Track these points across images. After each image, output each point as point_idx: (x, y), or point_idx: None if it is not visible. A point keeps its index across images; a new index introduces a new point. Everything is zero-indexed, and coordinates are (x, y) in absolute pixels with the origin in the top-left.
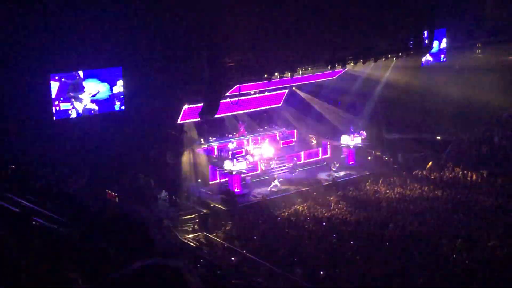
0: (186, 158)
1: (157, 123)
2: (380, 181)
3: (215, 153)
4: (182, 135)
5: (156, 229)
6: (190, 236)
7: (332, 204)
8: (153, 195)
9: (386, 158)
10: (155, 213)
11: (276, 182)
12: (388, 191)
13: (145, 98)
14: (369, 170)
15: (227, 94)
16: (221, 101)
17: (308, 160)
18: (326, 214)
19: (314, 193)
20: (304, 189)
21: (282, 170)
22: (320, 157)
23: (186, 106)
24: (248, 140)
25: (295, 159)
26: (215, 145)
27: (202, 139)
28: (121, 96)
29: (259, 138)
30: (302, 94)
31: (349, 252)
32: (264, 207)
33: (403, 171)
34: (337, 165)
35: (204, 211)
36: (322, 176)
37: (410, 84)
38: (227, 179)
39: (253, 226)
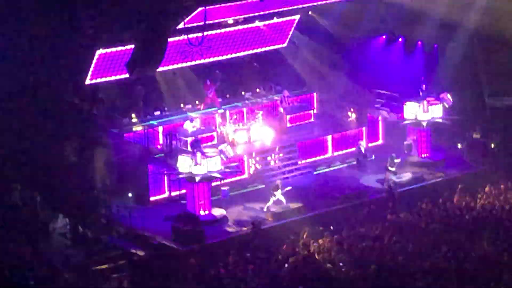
0: (103, 153)
1: (44, 85)
2: (482, 191)
3: (161, 141)
4: (95, 108)
5: None
6: None
7: (385, 239)
8: (41, 225)
9: (493, 146)
10: (45, 260)
11: (278, 195)
12: (497, 208)
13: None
14: (458, 168)
15: (180, 26)
16: (170, 39)
17: (340, 152)
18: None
19: (355, 217)
20: (332, 208)
21: (290, 171)
22: (363, 145)
23: (100, 51)
24: (223, 116)
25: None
26: (159, 125)
27: (133, 115)
28: None
29: (244, 110)
30: (326, 23)
31: None
32: (255, 244)
33: None
34: (397, 160)
35: (140, 253)
36: (369, 181)
37: None
38: (184, 191)
39: (236, 282)
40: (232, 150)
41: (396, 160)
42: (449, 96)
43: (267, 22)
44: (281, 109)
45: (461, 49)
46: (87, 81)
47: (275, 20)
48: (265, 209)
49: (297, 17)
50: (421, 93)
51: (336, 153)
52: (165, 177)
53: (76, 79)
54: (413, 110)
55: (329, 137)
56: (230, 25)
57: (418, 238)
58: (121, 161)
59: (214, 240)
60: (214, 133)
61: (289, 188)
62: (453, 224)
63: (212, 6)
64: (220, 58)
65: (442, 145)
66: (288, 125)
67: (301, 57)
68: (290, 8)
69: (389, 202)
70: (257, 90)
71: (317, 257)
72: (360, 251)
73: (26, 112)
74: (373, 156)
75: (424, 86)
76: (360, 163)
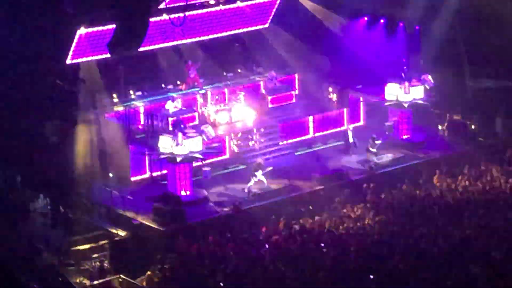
0: (84, 133)
1: (25, 65)
2: (463, 173)
3: (142, 121)
4: (77, 88)
5: (27, 271)
6: (95, 283)
7: (366, 219)
8: (21, 205)
9: (473, 127)
10: (25, 240)
11: (259, 175)
12: (477, 190)
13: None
14: (439, 149)
15: (162, 6)
16: (151, 19)
17: (321, 133)
18: (356, 241)
19: (337, 198)
20: (313, 188)
21: (271, 151)
22: (345, 127)
23: (81, 31)
24: (205, 96)
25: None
26: (141, 105)
27: (115, 95)
28: None
29: (226, 91)
30: (309, 3)
31: None
32: (236, 225)
33: (506, 150)
34: (378, 142)
35: (121, 233)
36: (350, 162)
37: None
38: (165, 171)
39: (216, 263)
40: (213, 131)
41: (377, 142)
42: (430, 77)
43: (249, 3)
44: (263, 90)
45: (443, 31)
46: (68, 61)
47: (257, 0)
48: (246, 190)
49: None
50: (403, 75)
51: (317, 134)
52: (146, 158)
53: (57, 58)
54: (394, 92)
55: (311, 118)
56: (211, 5)
57: (399, 220)
58: (102, 141)
59: (195, 220)
60: (196, 114)
61: (270, 168)
62: (433, 205)
63: None
64: (201, 38)
65: (423, 127)
66: (270, 106)
67: (283, 38)
68: None
69: (370, 183)
70: (239, 70)
71: (298, 238)
72: (341, 232)
73: (6, 91)
74: (355, 139)
75: (405, 67)
76: (347, 150)
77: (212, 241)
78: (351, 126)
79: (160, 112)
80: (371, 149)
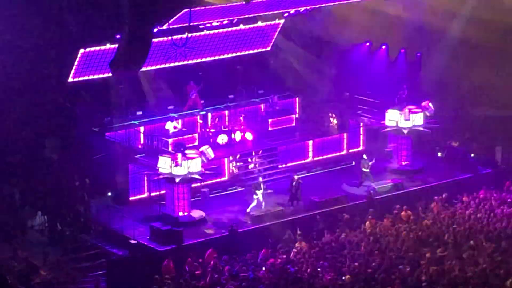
0: (83, 151)
1: (26, 85)
2: (461, 200)
3: (142, 141)
4: (77, 106)
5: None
6: None
7: (362, 244)
8: (19, 222)
9: (473, 155)
10: (23, 256)
11: (259, 195)
12: (477, 220)
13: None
14: (438, 176)
15: (164, 26)
16: (154, 40)
17: (322, 157)
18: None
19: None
20: (311, 212)
21: (270, 174)
22: (344, 151)
23: (83, 50)
24: (205, 118)
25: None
26: (140, 126)
27: (115, 114)
28: None
29: (226, 113)
30: (310, 29)
31: None
32: (233, 248)
33: (504, 179)
34: (371, 163)
35: (118, 252)
36: (350, 188)
37: None
38: (163, 191)
39: (212, 285)
40: (212, 152)
41: (369, 162)
42: (430, 104)
43: (251, 26)
44: (263, 113)
45: (444, 58)
46: (70, 79)
47: (260, 24)
48: (248, 210)
49: (281, 21)
50: (401, 99)
51: (316, 158)
52: (145, 177)
53: (58, 77)
54: (394, 118)
55: (310, 142)
56: (214, 28)
57: (397, 247)
58: (102, 160)
59: (192, 243)
60: (196, 135)
61: (270, 191)
62: (431, 234)
63: (197, 8)
64: (203, 60)
65: (422, 153)
66: (270, 129)
67: (285, 61)
68: (275, 12)
69: (369, 208)
70: (240, 93)
71: (295, 261)
72: (339, 258)
73: (7, 109)
74: (354, 162)
75: (401, 93)
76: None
77: (208, 263)
78: (367, 160)
79: (160, 132)
80: (364, 169)
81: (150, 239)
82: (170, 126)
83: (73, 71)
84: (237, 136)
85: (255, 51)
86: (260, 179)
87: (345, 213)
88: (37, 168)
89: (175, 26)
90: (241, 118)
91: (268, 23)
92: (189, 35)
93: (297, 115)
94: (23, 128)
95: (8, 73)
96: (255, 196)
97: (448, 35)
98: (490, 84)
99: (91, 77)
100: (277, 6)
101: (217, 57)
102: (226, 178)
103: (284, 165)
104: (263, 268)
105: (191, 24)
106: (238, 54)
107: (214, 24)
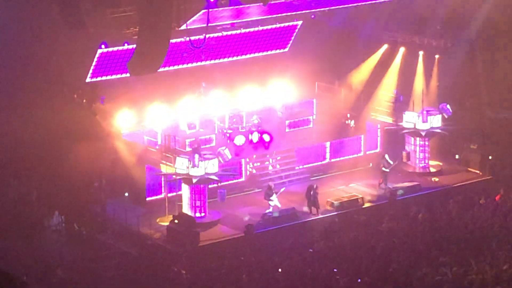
0: (101, 151)
1: (45, 85)
2: (479, 201)
3: (159, 142)
4: (95, 105)
5: (41, 286)
6: None
7: (380, 247)
8: (36, 222)
9: (490, 157)
10: (40, 256)
11: (275, 201)
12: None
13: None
14: (455, 178)
15: (182, 27)
16: (172, 41)
17: (339, 159)
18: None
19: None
20: (327, 214)
21: (287, 176)
22: (362, 153)
23: (102, 50)
24: (222, 119)
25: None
26: (157, 126)
27: (133, 114)
28: None
29: (243, 115)
30: (329, 29)
31: None
32: (248, 249)
33: None
34: (393, 164)
35: (134, 252)
36: (367, 188)
37: None
38: (180, 192)
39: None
40: (230, 153)
41: (390, 162)
42: (448, 106)
43: (269, 27)
44: (280, 114)
45: (462, 60)
46: (88, 79)
47: (279, 25)
48: (266, 213)
49: (299, 22)
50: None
51: (333, 160)
52: (162, 178)
53: (77, 76)
54: (412, 120)
55: (328, 144)
56: (232, 29)
57: (415, 248)
58: (119, 160)
59: (207, 242)
60: (213, 136)
61: (283, 189)
62: (450, 235)
63: (215, 9)
64: (221, 60)
65: (440, 155)
66: (287, 130)
67: (302, 62)
68: (293, 13)
69: (387, 210)
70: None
71: (311, 262)
72: (355, 259)
73: (25, 108)
74: (371, 164)
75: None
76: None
77: (225, 264)
78: (388, 158)
79: (177, 133)
80: (384, 169)
81: (166, 239)
82: (187, 127)
83: (91, 71)
84: (255, 137)
85: (273, 52)
86: (270, 183)
87: (363, 215)
88: (54, 168)
89: (192, 27)
90: (258, 119)
91: (286, 24)
92: (207, 35)
93: (314, 117)
94: (41, 128)
95: (25, 72)
96: (271, 202)
97: (466, 36)
98: (508, 86)
99: (109, 77)
100: (295, 7)
101: (235, 58)
102: (243, 179)
103: (301, 166)
104: (279, 270)
105: (209, 25)
106: (256, 55)
107: (231, 25)
